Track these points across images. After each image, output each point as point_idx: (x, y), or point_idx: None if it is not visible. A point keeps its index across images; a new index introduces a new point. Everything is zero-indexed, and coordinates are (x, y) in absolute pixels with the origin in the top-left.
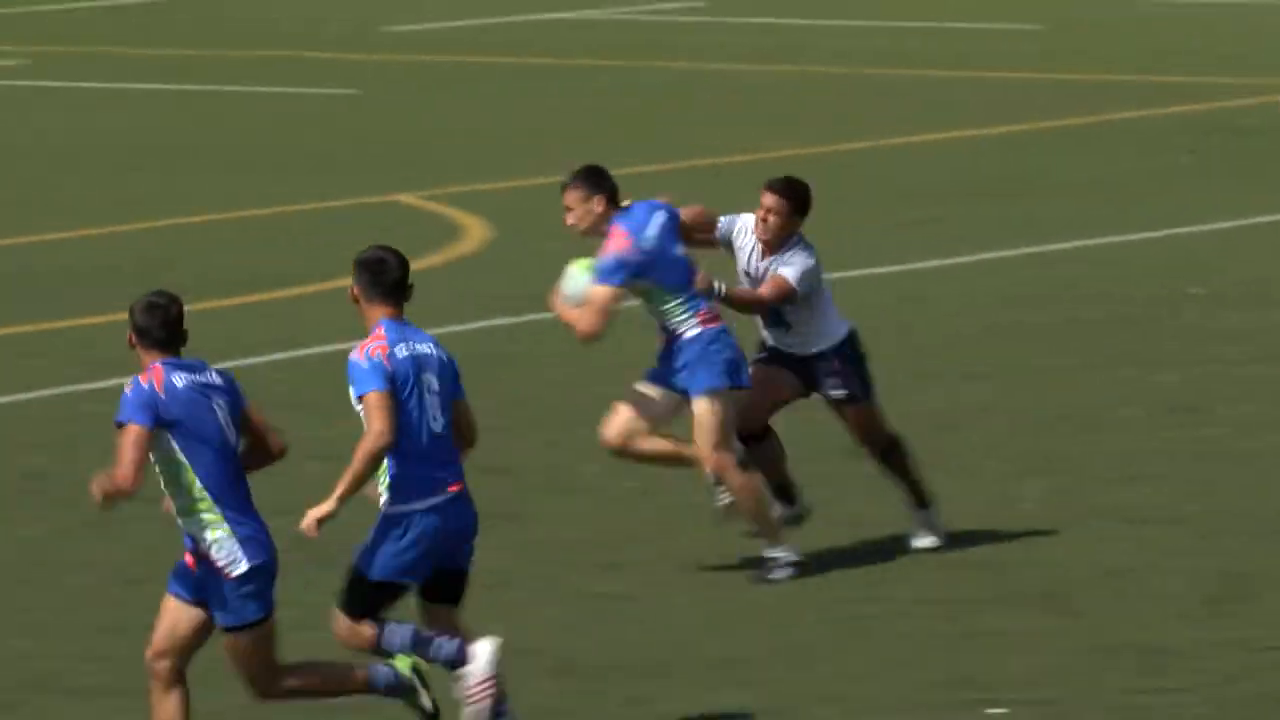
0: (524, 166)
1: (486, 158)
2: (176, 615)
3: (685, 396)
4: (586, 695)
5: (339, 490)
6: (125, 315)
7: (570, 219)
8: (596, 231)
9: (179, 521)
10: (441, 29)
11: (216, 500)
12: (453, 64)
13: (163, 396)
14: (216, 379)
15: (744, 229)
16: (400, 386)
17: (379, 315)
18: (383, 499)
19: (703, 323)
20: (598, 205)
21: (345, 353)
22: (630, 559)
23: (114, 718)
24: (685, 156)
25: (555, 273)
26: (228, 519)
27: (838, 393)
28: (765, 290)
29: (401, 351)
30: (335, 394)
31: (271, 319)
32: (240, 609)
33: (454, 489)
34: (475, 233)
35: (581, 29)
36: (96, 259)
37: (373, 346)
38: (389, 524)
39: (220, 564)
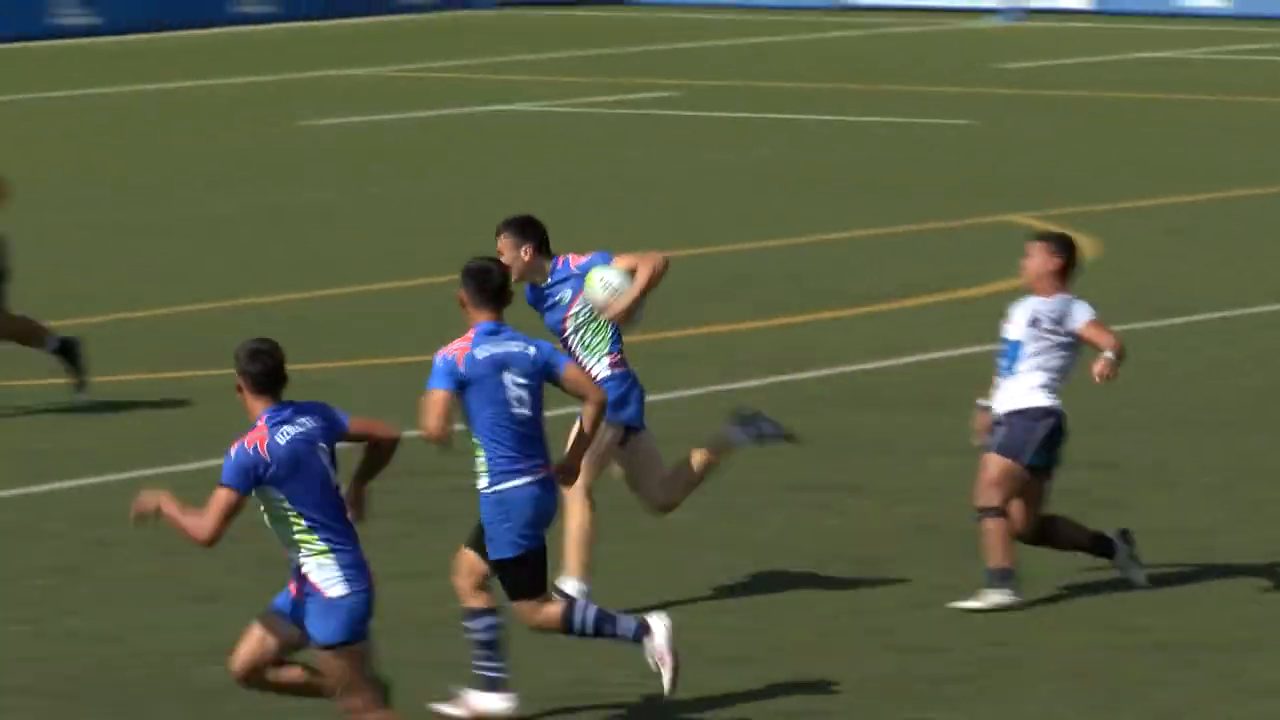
0: (1130, 189)
1: (1095, 181)
2: (270, 627)
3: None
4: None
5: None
6: (757, 320)
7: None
8: (525, 278)
9: (285, 550)
10: (1047, 66)
11: (319, 531)
12: (1061, 98)
13: (266, 458)
14: (311, 423)
15: None
16: (478, 383)
17: (480, 319)
18: (481, 485)
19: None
20: (525, 254)
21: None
22: (1221, 545)
23: None
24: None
25: (1161, 286)
26: (331, 548)
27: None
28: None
29: (481, 353)
30: (960, 392)
31: (898, 325)
32: (334, 629)
33: (543, 471)
34: (1085, 248)
35: (1177, 67)
36: (733, 269)
37: (455, 348)
38: (493, 507)
39: (320, 586)
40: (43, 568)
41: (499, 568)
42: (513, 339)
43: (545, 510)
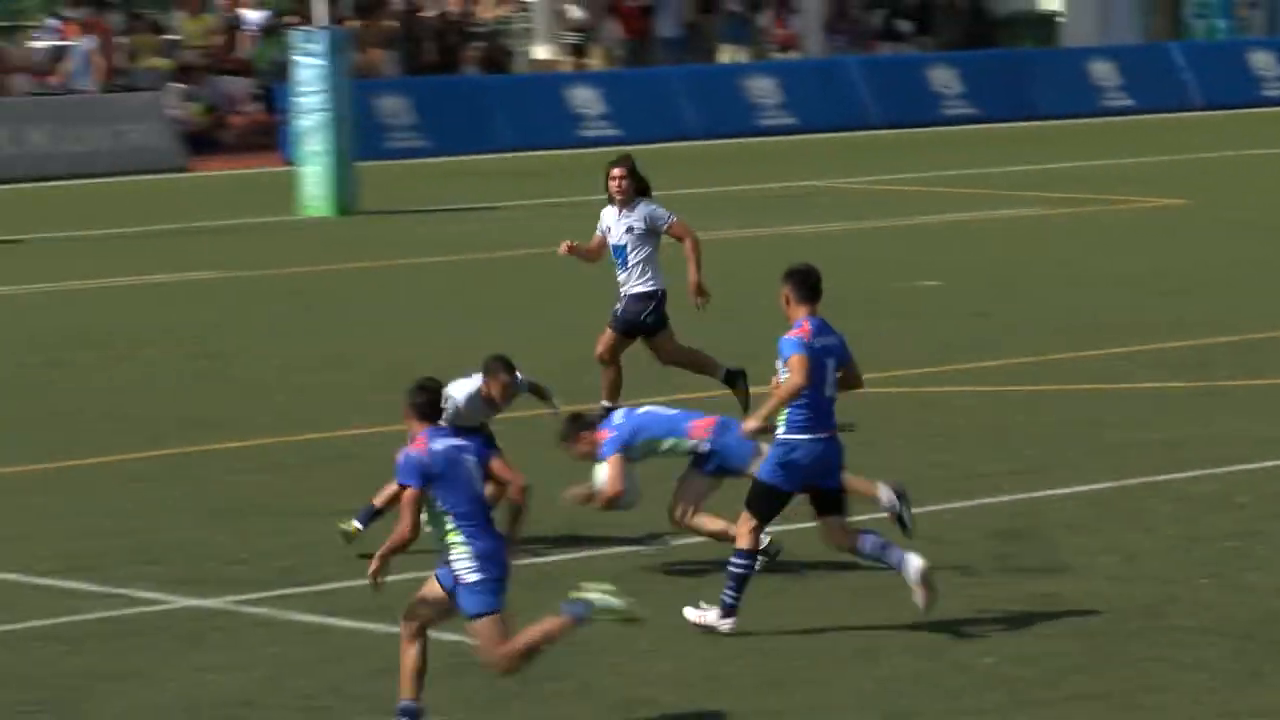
0: None
1: None
2: (431, 591)
3: None
4: None
5: (764, 412)
6: None
7: None
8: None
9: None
10: None
11: (463, 529)
12: None
13: (427, 459)
14: (464, 441)
15: None
16: (813, 361)
17: (802, 313)
18: (779, 430)
19: None
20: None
21: None
22: None
23: None
24: None
25: None
26: (469, 541)
27: None
28: None
29: (818, 342)
30: None
31: None
32: (477, 603)
33: (827, 435)
34: None
35: None
36: None
37: (800, 329)
38: (784, 446)
39: (460, 571)
40: (1229, 532)
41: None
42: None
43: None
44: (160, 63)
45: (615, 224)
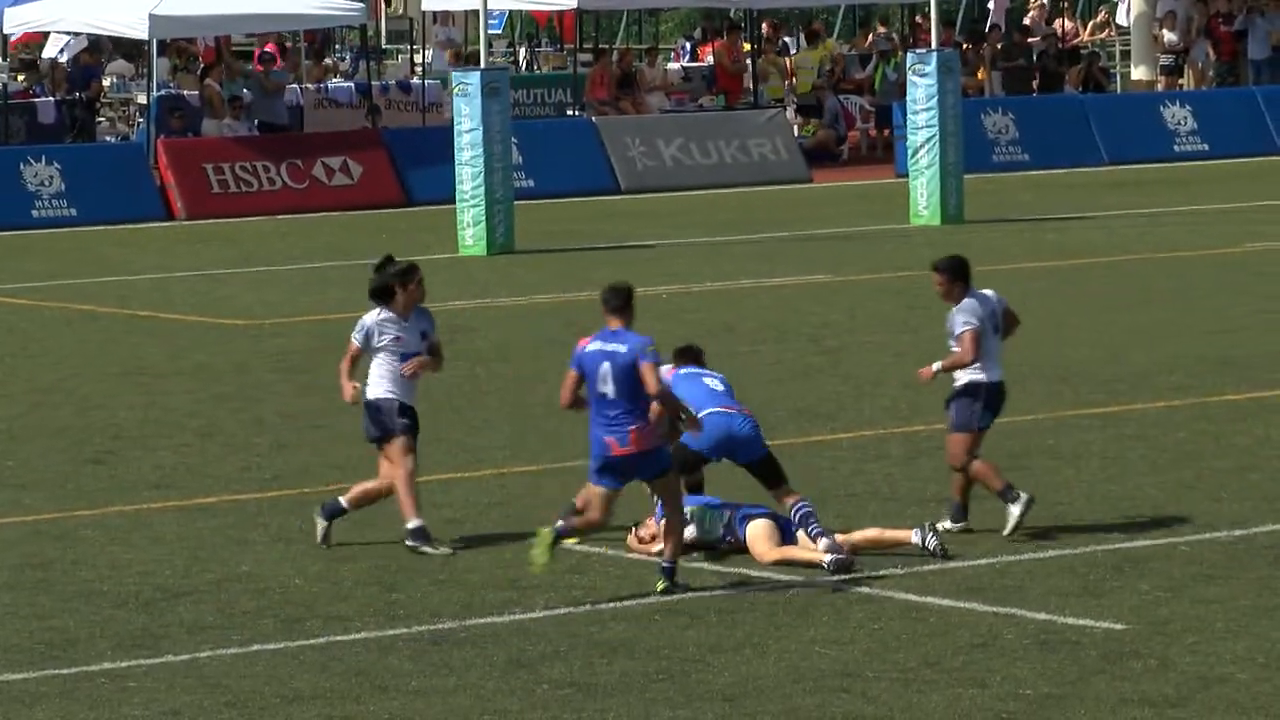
0: None
1: None
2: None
3: None
4: None
5: (942, 365)
6: None
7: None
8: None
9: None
10: None
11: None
12: None
13: (579, 352)
14: (618, 346)
15: None
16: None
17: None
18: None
19: None
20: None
21: None
22: None
23: None
24: None
25: None
26: (594, 426)
27: None
28: None
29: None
30: None
31: None
32: (591, 474)
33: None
34: None
35: None
36: None
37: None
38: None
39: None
40: None
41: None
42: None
43: None
44: (781, 84)
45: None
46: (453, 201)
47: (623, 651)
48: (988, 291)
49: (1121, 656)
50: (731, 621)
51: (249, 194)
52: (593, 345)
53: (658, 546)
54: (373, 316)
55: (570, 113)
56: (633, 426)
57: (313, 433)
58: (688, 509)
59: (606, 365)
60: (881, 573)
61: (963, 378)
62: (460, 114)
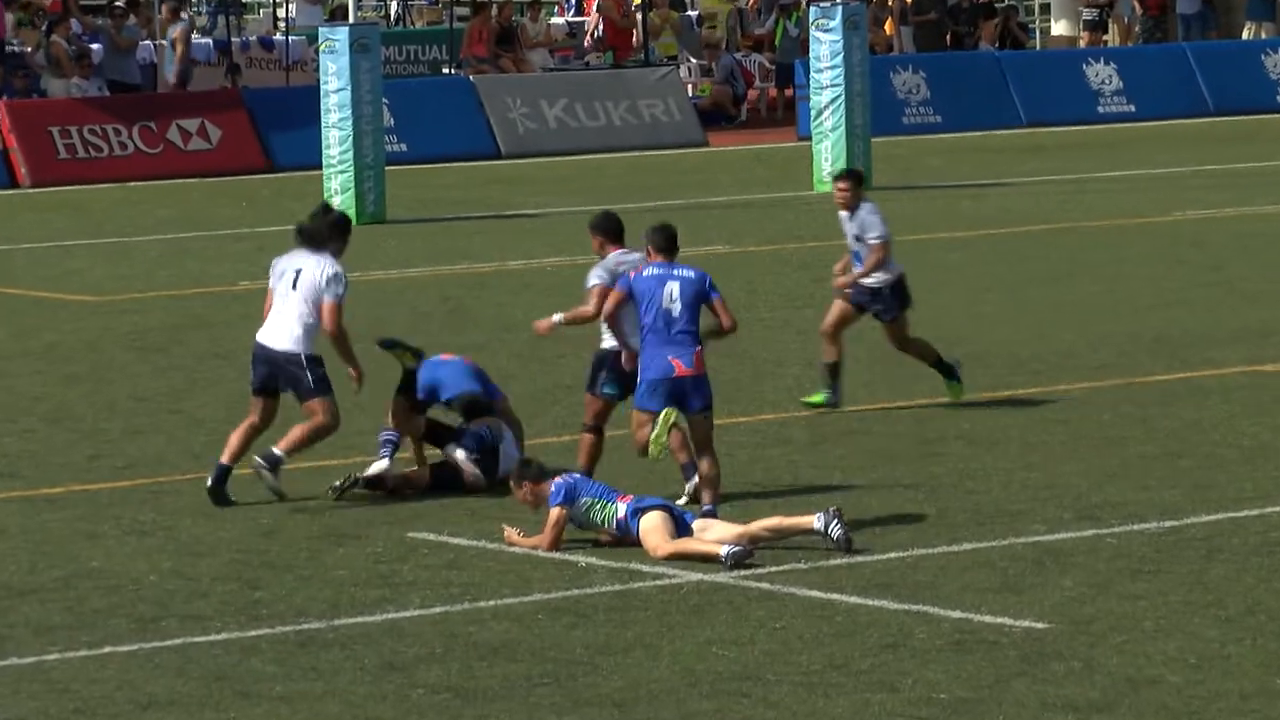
0: None
1: None
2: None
3: None
4: None
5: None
6: None
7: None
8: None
9: None
10: None
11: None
12: None
13: (630, 277)
14: (684, 272)
15: None
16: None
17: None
18: None
19: None
20: None
21: None
22: None
23: None
24: None
25: None
26: (644, 349)
27: None
28: None
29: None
30: None
31: None
32: (636, 397)
33: None
34: None
35: None
36: None
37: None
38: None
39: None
40: None
41: None
42: None
43: None
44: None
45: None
46: (319, 167)
47: (504, 653)
48: None
49: (1043, 658)
50: (621, 621)
51: (99, 159)
52: (649, 271)
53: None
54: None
55: (446, 71)
56: (697, 349)
57: (169, 418)
58: (584, 498)
59: (675, 285)
60: (784, 567)
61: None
62: (327, 73)
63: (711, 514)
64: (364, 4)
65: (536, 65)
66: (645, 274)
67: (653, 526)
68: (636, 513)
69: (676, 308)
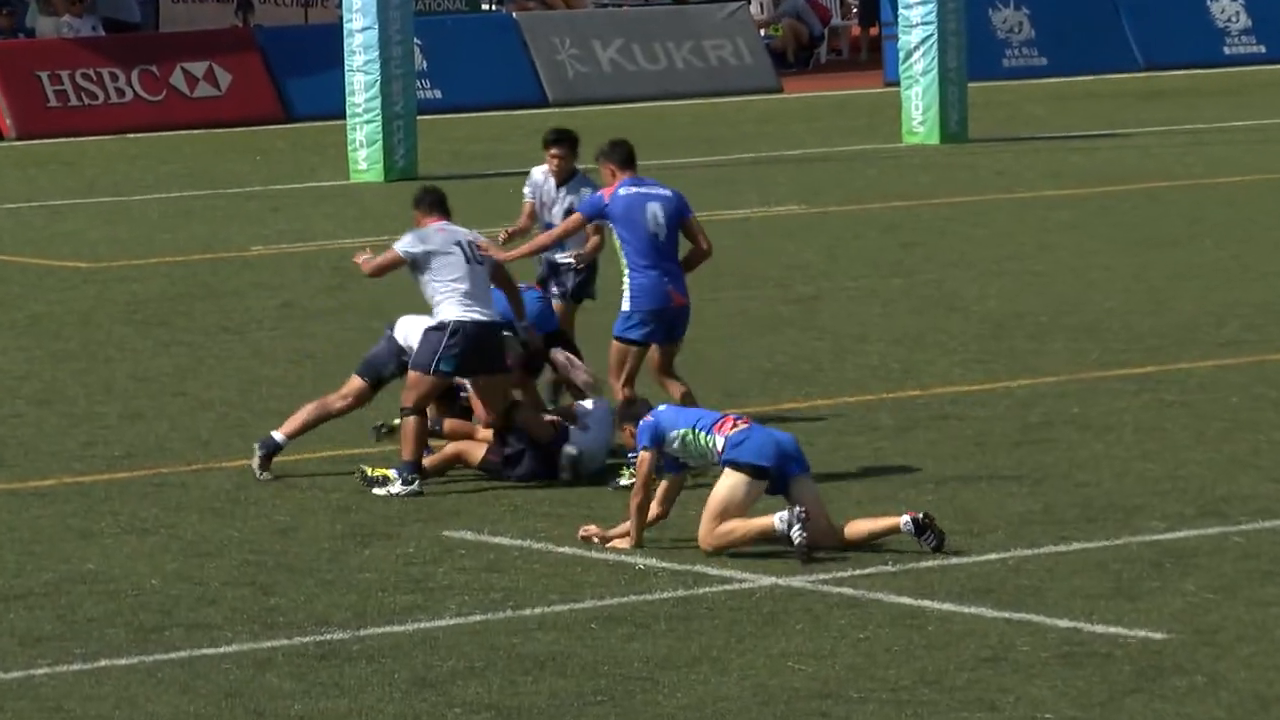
0: None
1: None
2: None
3: None
4: None
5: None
6: None
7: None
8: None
9: None
10: None
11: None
12: None
13: (606, 198)
14: (660, 190)
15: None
16: None
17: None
18: None
19: None
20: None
21: None
22: None
23: None
24: None
25: None
26: (631, 275)
27: None
28: None
29: None
30: None
31: None
32: (617, 327)
33: None
34: None
35: None
36: None
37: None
38: None
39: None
40: None
41: None
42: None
43: None
44: None
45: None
46: (342, 117)
47: (552, 667)
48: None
49: (1161, 672)
50: (685, 631)
51: (93, 107)
52: (624, 190)
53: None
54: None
55: (486, 7)
56: (680, 277)
57: (172, 401)
58: (675, 430)
59: (656, 206)
60: (868, 570)
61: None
62: (351, 9)
63: None
64: None
65: (588, 0)
66: (622, 193)
67: (732, 500)
68: (728, 463)
69: (663, 234)
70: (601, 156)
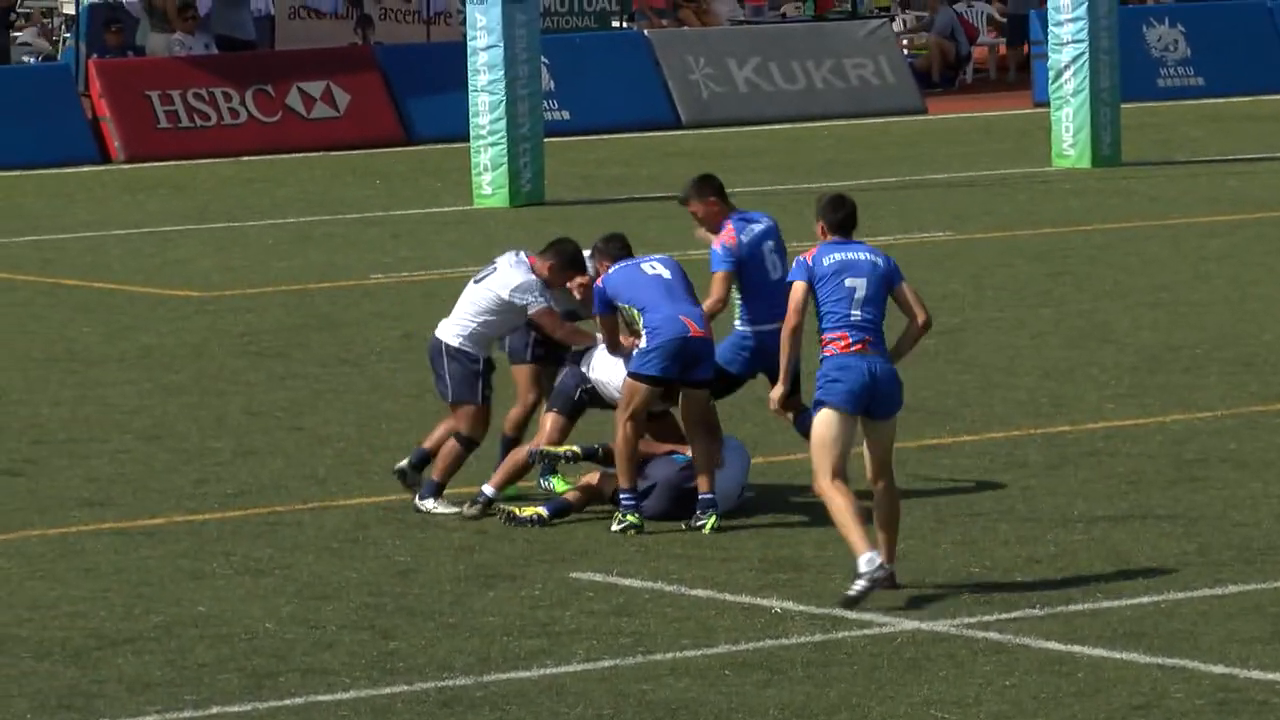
0: None
1: None
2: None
3: None
4: None
5: None
6: None
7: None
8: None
9: None
10: None
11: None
12: None
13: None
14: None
15: None
16: None
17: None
18: None
19: None
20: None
21: None
22: None
23: None
24: None
25: None
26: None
27: None
28: None
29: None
30: None
31: None
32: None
33: None
34: None
35: None
36: None
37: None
38: None
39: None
40: None
41: None
42: None
43: None
44: None
45: None
46: (465, 139)
47: (684, 715)
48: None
49: None
50: (823, 678)
51: (205, 129)
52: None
53: None
54: None
55: (616, 24)
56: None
57: (288, 436)
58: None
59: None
60: (1015, 614)
61: None
62: (475, 26)
63: (711, 504)
64: None
65: (723, 17)
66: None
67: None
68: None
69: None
70: (595, 252)
